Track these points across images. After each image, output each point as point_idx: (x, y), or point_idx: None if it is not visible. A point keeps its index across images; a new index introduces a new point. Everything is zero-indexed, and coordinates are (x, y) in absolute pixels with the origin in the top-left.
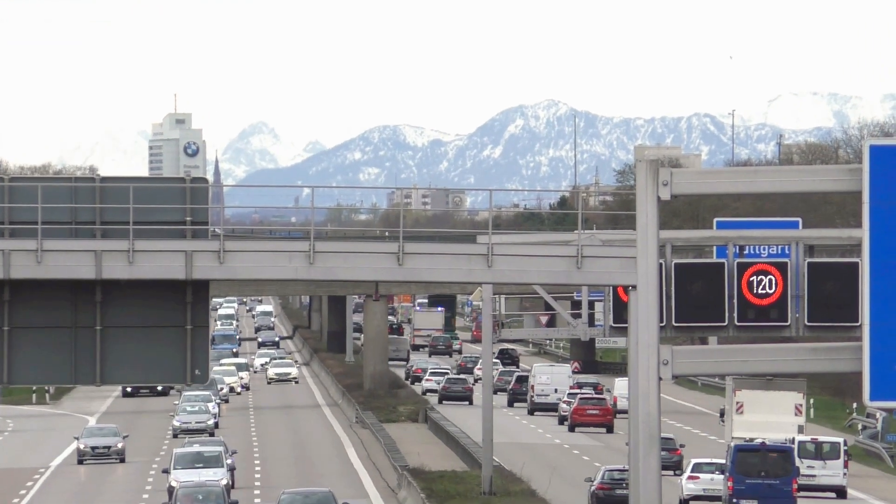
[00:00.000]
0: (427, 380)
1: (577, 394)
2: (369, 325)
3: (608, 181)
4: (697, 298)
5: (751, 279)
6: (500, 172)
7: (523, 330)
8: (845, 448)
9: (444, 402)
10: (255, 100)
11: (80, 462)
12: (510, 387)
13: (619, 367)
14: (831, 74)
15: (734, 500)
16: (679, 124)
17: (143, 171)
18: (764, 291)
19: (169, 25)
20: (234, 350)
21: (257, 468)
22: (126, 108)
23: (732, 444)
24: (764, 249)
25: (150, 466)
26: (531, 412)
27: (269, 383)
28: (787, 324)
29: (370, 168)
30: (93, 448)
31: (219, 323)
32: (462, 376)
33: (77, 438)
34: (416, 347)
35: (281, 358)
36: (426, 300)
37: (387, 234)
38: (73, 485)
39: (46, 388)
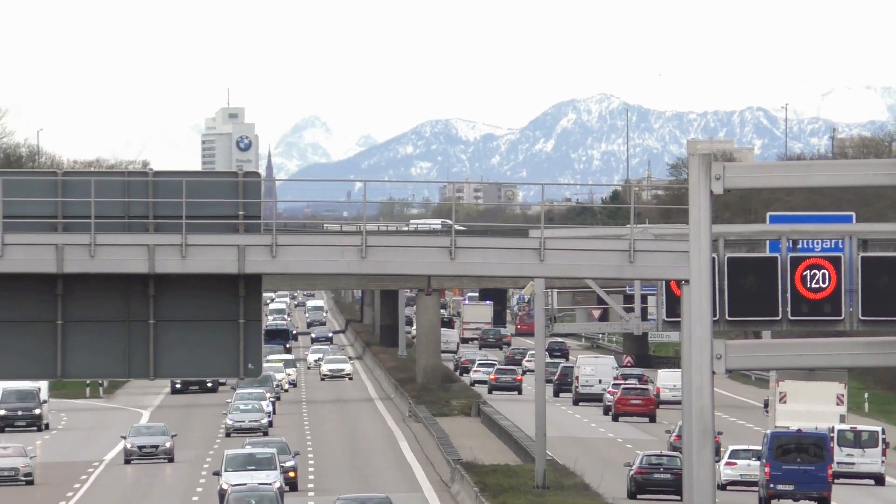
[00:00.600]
0: (475, 371)
1: (620, 384)
2: (422, 320)
3: (660, 175)
4: (750, 292)
5: (804, 273)
6: (552, 166)
7: (576, 324)
8: (883, 437)
9: (493, 392)
10: (307, 94)
11: (128, 462)
12: (555, 378)
13: (672, 361)
14: (885, 68)
15: (771, 486)
16: (732, 118)
17: (195, 165)
18: (817, 285)
19: (222, 19)
20: (287, 345)
21: (311, 464)
22: (179, 102)
23: (769, 431)
24: (817, 244)
25: (201, 467)
26: (576, 402)
27: (322, 379)
28: (841, 318)
29: (422, 162)
30: (140, 447)
31: (270, 318)
32: (512, 367)
33: (124, 437)
34: (465, 340)
35: (335, 354)
36: (476, 294)
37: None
38: (122, 485)
39: (100, 381)
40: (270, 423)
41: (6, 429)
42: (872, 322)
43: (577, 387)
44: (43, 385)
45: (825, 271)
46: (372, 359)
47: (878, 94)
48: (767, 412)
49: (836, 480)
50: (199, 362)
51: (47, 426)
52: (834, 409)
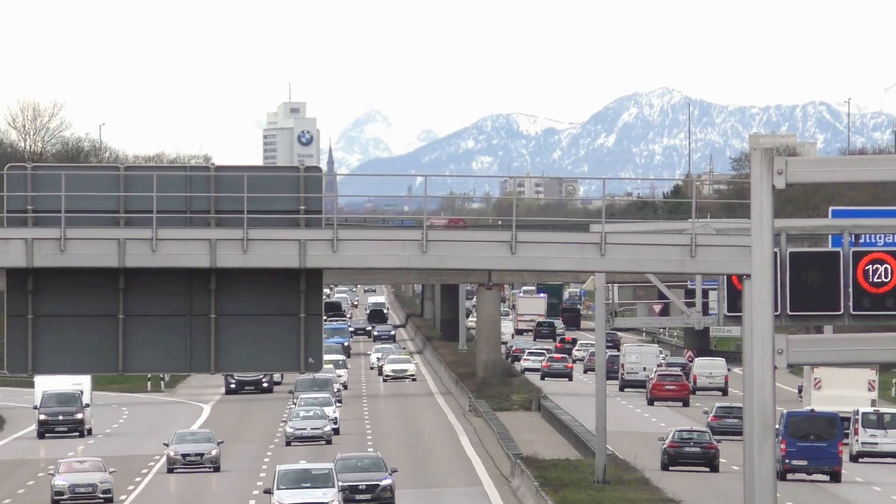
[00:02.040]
0: (525, 359)
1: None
2: (482, 314)
3: (722, 169)
4: (812, 287)
5: (866, 268)
6: (613, 161)
7: (636, 318)
8: None
9: (545, 378)
10: (368, 88)
11: (171, 471)
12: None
13: (733, 355)
14: None
15: (786, 461)
16: (794, 112)
17: (257, 160)
18: (880, 280)
19: (283, 14)
20: (346, 343)
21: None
22: (240, 97)
23: (784, 411)
24: (880, 238)
25: (254, 481)
26: (622, 388)
27: (384, 381)
28: None
29: (483, 157)
30: (184, 455)
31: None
32: (563, 356)
33: (166, 445)
34: (519, 332)
35: (397, 353)
36: (532, 287)
37: (500, 222)
38: (165, 501)
39: (161, 376)
40: (336, 431)
41: (46, 434)
42: None
43: (622, 374)
44: (85, 388)
45: (888, 266)
46: (432, 353)
47: None
48: (801, 397)
49: (859, 459)
50: (260, 356)
51: (90, 431)
52: (866, 395)
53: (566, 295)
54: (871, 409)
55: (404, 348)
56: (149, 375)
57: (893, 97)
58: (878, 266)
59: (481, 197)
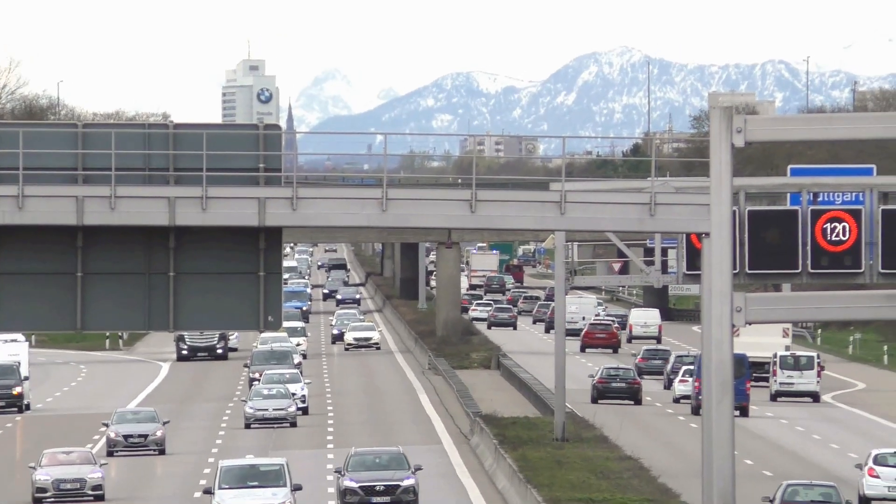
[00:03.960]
0: (473, 310)
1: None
2: (442, 272)
3: (682, 128)
4: (771, 245)
5: (825, 226)
6: (573, 119)
7: (596, 277)
8: (818, 361)
9: (492, 327)
10: (328, 46)
11: (111, 454)
12: (547, 316)
13: (692, 314)
14: None
15: (700, 397)
16: (753, 71)
17: (216, 117)
18: (838, 238)
19: None
20: (304, 308)
21: (330, 416)
22: (199, 54)
23: (699, 354)
24: (838, 196)
25: (202, 468)
26: None
27: (346, 349)
28: (861, 271)
29: (443, 115)
30: (125, 437)
31: (285, 276)
32: (508, 306)
33: (106, 425)
34: (472, 287)
35: (360, 320)
36: (485, 244)
37: (459, 181)
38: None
39: (120, 333)
40: (305, 411)
41: None
42: (892, 275)
43: None
44: (23, 359)
45: (845, 224)
46: (392, 311)
47: None
48: None
49: (778, 398)
50: (219, 315)
51: (28, 406)
52: (780, 341)
53: (519, 252)
54: (787, 353)
55: (366, 312)
56: (107, 333)
57: (852, 56)
58: (837, 224)
59: (441, 155)
